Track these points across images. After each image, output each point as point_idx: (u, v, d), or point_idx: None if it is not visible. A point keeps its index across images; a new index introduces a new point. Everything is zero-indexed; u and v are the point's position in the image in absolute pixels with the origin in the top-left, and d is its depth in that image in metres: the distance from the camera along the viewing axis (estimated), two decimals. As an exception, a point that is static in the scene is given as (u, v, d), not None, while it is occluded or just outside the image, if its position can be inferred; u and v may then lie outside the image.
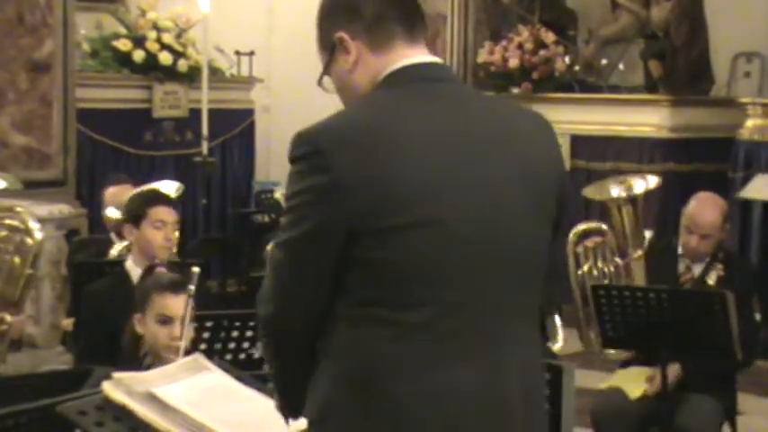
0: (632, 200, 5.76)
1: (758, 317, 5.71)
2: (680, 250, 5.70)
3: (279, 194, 9.43)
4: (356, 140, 2.62)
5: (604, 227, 5.79)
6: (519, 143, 2.77)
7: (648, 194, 5.95)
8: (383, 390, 2.63)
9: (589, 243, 5.78)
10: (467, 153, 2.68)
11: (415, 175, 2.62)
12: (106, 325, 4.73)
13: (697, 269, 5.67)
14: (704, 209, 5.68)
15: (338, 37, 2.77)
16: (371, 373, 2.64)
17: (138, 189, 6.34)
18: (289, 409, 2.88)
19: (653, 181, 5.94)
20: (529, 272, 2.78)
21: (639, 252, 5.69)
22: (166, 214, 5.41)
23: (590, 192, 6.02)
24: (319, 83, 2.87)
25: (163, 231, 5.38)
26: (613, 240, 5.76)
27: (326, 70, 2.83)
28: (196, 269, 4.38)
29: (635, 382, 5.47)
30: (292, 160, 2.68)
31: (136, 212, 5.47)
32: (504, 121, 2.81)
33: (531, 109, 2.99)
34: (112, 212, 6.41)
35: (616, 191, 5.78)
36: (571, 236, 5.77)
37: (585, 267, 5.68)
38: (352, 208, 2.58)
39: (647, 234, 5.82)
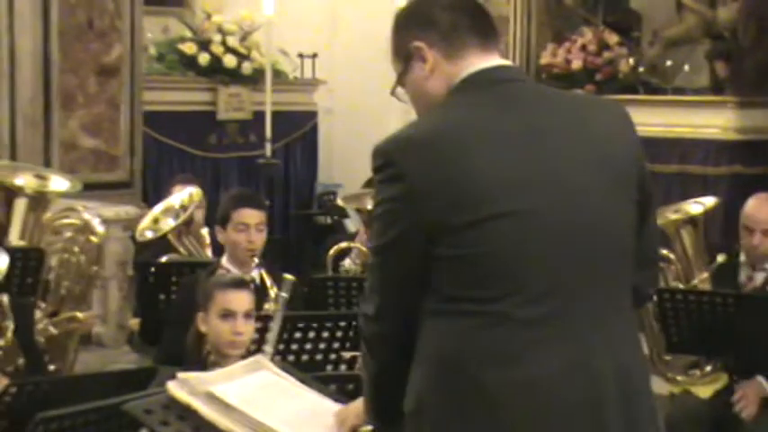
0: (691, 221, 5.71)
1: None
2: (742, 257, 5.64)
3: (339, 200, 9.44)
4: (425, 147, 2.72)
5: (666, 252, 5.73)
6: (594, 131, 2.85)
7: (713, 210, 5.88)
8: (473, 378, 2.71)
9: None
10: (539, 146, 2.76)
11: (486, 172, 2.69)
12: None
13: (759, 277, 5.60)
14: (763, 204, 5.63)
15: (415, 46, 2.86)
16: (461, 362, 2.72)
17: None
18: (379, 413, 2.99)
19: (710, 201, 5.87)
20: (614, 255, 2.83)
21: (705, 275, 5.64)
22: (249, 217, 5.44)
23: None
24: (393, 92, 2.96)
25: (245, 234, 5.41)
26: (678, 266, 5.72)
27: (401, 79, 2.92)
28: (289, 277, 4.58)
29: (703, 383, 5.44)
30: (374, 172, 2.81)
31: (222, 215, 5.53)
32: (577, 112, 2.90)
33: (607, 99, 3.06)
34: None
35: (673, 215, 5.75)
36: None
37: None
38: (429, 210, 2.69)
39: (720, 258, 5.72)
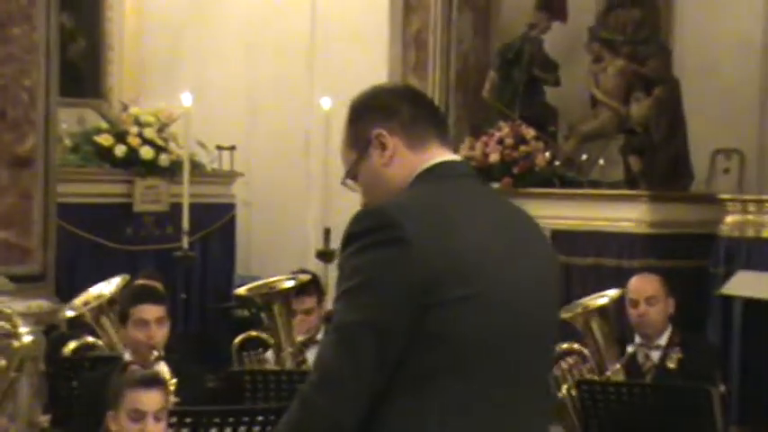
0: (599, 313, 5.80)
1: (723, 388, 5.78)
2: (637, 339, 5.77)
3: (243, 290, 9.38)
4: (423, 215, 2.73)
5: (577, 346, 5.82)
6: (539, 240, 3.01)
7: (618, 301, 5.98)
8: None
9: (565, 364, 5.81)
10: (507, 239, 2.84)
11: (475, 250, 2.74)
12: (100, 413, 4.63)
13: (655, 355, 5.74)
14: (643, 277, 6.06)
15: (376, 133, 2.89)
16: None
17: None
18: None
19: (614, 292, 6.00)
20: (551, 350, 3.05)
21: (617, 366, 5.70)
22: (148, 312, 5.38)
23: (563, 314, 6.01)
24: (344, 181, 2.99)
25: (145, 330, 5.35)
26: (591, 359, 5.78)
27: (357, 167, 2.94)
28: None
29: None
30: (358, 235, 2.73)
31: (121, 311, 5.47)
32: (518, 214, 3.01)
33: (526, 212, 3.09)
34: None
35: (580, 309, 5.84)
36: None
37: (564, 389, 5.66)
38: (423, 279, 2.66)
39: (630, 348, 5.84)
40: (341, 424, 2.70)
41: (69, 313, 6.52)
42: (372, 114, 2.93)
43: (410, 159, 2.88)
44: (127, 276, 6.73)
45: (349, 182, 2.97)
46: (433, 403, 2.68)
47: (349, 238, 2.74)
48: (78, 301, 6.67)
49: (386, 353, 2.67)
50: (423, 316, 2.66)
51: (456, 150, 10.13)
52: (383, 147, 2.89)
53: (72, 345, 6.31)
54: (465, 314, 2.68)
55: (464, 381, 2.69)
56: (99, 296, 6.58)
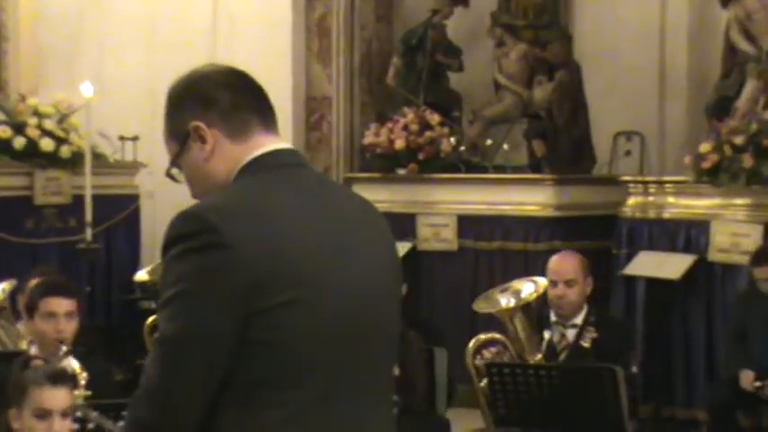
0: (524, 307, 5.83)
1: (635, 369, 5.88)
2: (552, 317, 5.82)
3: (144, 275, 9.33)
4: (244, 217, 2.59)
5: (499, 336, 5.82)
6: (374, 227, 2.86)
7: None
8: None
9: (487, 354, 5.81)
10: (339, 233, 2.72)
11: (301, 251, 2.61)
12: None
13: (570, 333, 5.80)
14: (563, 257, 5.98)
15: (193, 126, 2.74)
16: None
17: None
18: None
19: (542, 282, 5.99)
20: (391, 351, 2.86)
21: (539, 356, 5.74)
22: (57, 305, 5.32)
23: (481, 306, 6.02)
24: (168, 173, 2.83)
25: (53, 323, 5.28)
26: (512, 349, 5.80)
27: (176, 160, 2.79)
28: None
29: None
30: (176, 239, 2.59)
31: (29, 304, 5.40)
32: (357, 205, 2.90)
33: (365, 199, 2.99)
34: None
35: (505, 301, 5.84)
36: (469, 348, 5.81)
37: (485, 381, 5.64)
38: (247, 283, 2.53)
39: (547, 334, 5.90)
40: (182, 409, 2.58)
41: None
42: (189, 105, 2.77)
43: (233, 151, 2.73)
44: (13, 282, 6.64)
45: (174, 172, 2.81)
46: (263, 416, 2.58)
47: (167, 245, 2.61)
48: None
49: (212, 365, 2.55)
50: (247, 324, 2.54)
51: (362, 136, 10.32)
52: (202, 140, 2.73)
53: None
54: (291, 320, 2.57)
55: (295, 390, 2.59)
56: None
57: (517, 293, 5.80)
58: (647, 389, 7.92)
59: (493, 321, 5.91)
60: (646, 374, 7.92)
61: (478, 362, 5.78)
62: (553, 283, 5.90)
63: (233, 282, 2.54)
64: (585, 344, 5.81)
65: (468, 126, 10.19)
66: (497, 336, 5.81)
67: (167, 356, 2.59)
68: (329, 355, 2.63)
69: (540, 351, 5.75)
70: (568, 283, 5.88)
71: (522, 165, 9.70)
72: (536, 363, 5.61)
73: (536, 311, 5.88)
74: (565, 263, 6.00)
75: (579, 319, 5.89)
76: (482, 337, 5.85)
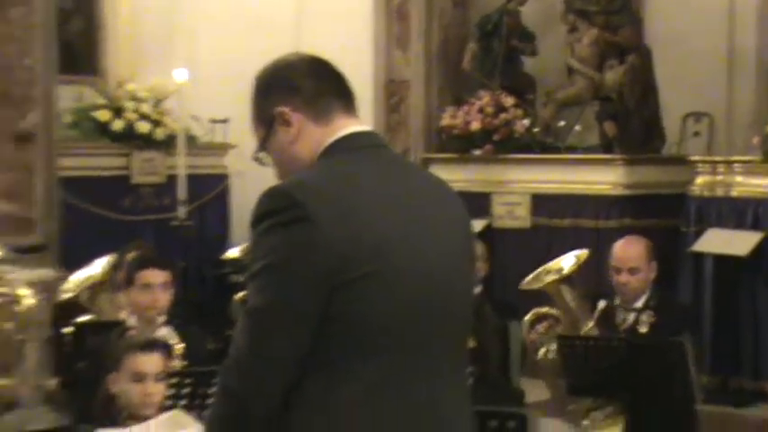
0: (567, 279, 5.81)
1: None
2: (617, 300, 5.76)
3: (234, 252, 9.39)
4: (328, 193, 2.61)
5: (554, 310, 5.83)
6: (450, 206, 2.87)
7: (587, 262, 5.98)
8: None
9: (541, 328, 5.82)
10: (416, 211, 2.72)
11: (380, 227, 2.62)
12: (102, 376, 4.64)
13: (630, 317, 5.74)
14: (627, 244, 5.88)
15: (279, 111, 2.77)
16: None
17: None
18: None
19: (582, 253, 5.98)
20: (465, 325, 2.85)
21: (590, 324, 5.72)
22: (153, 277, 5.37)
23: (528, 284, 6.02)
24: (255, 157, 2.87)
25: (149, 294, 5.34)
26: (565, 320, 5.80)
27: (264, 144, 2.83)
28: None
29: (603, 428, 5.47)
30: (264, 215, 2.62)
31: (126, 276, 5.47)
32: (433, 184, 2.91)
33: (442, 181, 2.99)
34: None
35: (548, 276, 5.84)
36: (525, 321, 5.83)
37: (541, 352, 5.67)
38: (332, 256, 2.54)
39: (601, 304, 5.85)
40: (255, 406, 2.61)
41: (64, 296, 6.51)
42: (275, 91, 2.82)
43: (316, 133, 2.77)
44: (114, 256, 6.72)
45: (261, 155, 2.85)
46: (343, 388, 2.59)
47: (255, 220, 2.63)
48: (69, 284, 6.66)
49: (296, 337, 2.56)
50: (330, 297, 2.55)
51: (439, 119, 10.32)
52: (287, 124, 2.77)
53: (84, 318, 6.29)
54: (369, 293, 2.58)
55: (373, 363, 2.60)
56: (87, 278, 6.58)
57: (560, 269, 5.80)
58: (714, 362, 7.85)
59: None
60: (713, 348, 7.85)
61: (533, 335, 5.80)
62: (617, 270, 5.81)
63: (317, 255, 2.54)
64: (643, 329, 5.74)
65: (542, 108, 10.14)
66: (551, 310, 5.81)
67: (255, 328, 2.59)
68: (405, 329, 2.63)
69: (593, 319, 5.72)
70: (632, 271, 5.78)
71: (594, 145, 9.63)
72: (603, 336, 5.58)
73: (584, 285, 5.87)
74: (629, 250, 5.89)
75: (640, 303, 5.81)
76: (539, 310, 5.86)
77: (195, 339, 5.50)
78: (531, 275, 6.03)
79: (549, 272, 5.89)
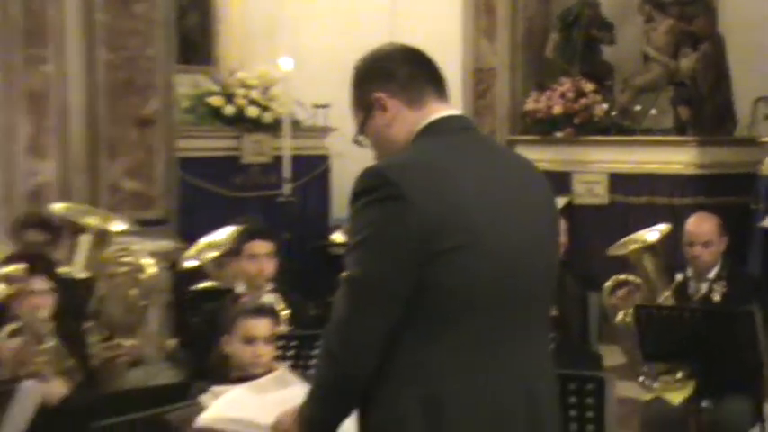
0: (650, 248, 5.78)
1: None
2: (689, 272, 5.72)
3: (338, 235, 9.42)
4: (419, 172, 2.62)
5: (632, 278, 5.81)
6: (534, 184, 2.85)
7: (669, 235, 5.93)
8: (443, 405, 2.61)
9: (620, 294, 5.80)
10: (503, 189, 2.72)
11: (469, 202, 2.62)
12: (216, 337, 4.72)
13: (703, 287, 5.71)
14: (699, 220, 5.84)
15: (376, 97, 2.79)
16: (441, 391, 2.61)
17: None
18: (323, 427, 2.75)
19: (664, 227, 5.94)
20: (547, 294, 2.85)
21: (667, 293, 5.68)
22: (259, 247, 5.42)
23: (614, 250, 6.00)
24: (355, 139, 2.88)
25: (256, 263, 5.38)
26: (644, 288, 5.77)
27: (362, 127, 2.84)
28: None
29: (674, 390, 5.45)
30: (361, 193, 2.64)
31: (235, 247, 5.52)
32: (518, 163, 2.91)
33: (529, 161, 2.99)
34: None
35: (633, 245, 5.82)
36: (606, 287, 5.81)
37: (620, 316, 5.66)
38: (422, 231, 2.55)
39: (679, 276, 5.81)
40: (354, 366, 2.62)
41: (190, 263, 6.60)
42: (372, 78, 2.82)
43: (410, 117, 2.77)
44: (237, 229, 6.79)
45: (360, 138, 2.86)
46: (432, 348, 2.59)
47: (353, 197, 2.65)
48: (192, 250, 6.75)
49: (389, 303, 2.58)
50: (422, 266, 2.55)
51: (523, 103, 10.27)
52: (384, 109, 2.78)
53: (201, 285, 6.38)
54: (457, 263, 2.57)
55: (465, 324, 2.60)
56: (210, 244, 6.65)
57: (644, 240, 5.78)
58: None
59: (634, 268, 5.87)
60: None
61: (613, 300, 5.78)
62: (690, 244, 5.77)
63: (408, 229, 2.55)
64: (716, 297, 5.70)
65: (619, 93, 10.07)
66: (630, 277, 5.79)
67: (353, 295, 2.62)
68: (491, 298, 2.63)
69: (670, 289, 5.68)
70: (704, 245, 5.72)
71: (668, 128, 9.54)
72: (676, 305, 5.55)
73: (665, 257, 5.82)
74: (702, 226, 5.82)
75: (712, 274, 5.76)
76: (618, 277, 5.84)
77: (299, 305, 5.54)
78: (617, 243, 6.01)
79: (634, 241, 5.87)
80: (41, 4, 7.43)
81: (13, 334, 4.74)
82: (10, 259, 5.25)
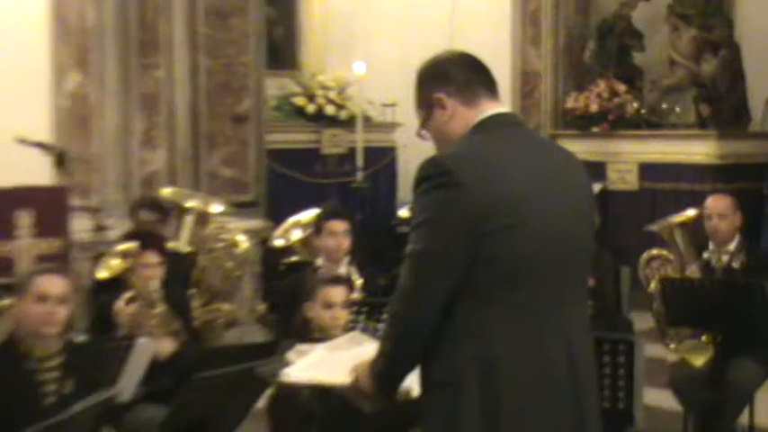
0: (681, 227, 5.74)
1: None
2: (711, 246, 5.67)
3: (404, 211, 9.42)
4: (472, 163, 2.60)
5: (664, 252, 5.78)
6: (574, 172, 2.81)
7: (695, 218, 5.87)
8: (496, 366, 2.59)
9: (654, 265, 5.76)
10: (547, 176, 2.69)
11: (516, 187, 2.60)
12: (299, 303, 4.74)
13: (724, 257, 5.63)
14: (716, 197, 5.80)
15: (436, 97, 2.75)
16: (494, 350, 2.59)
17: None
18: (386, 383, 2.75)
19: (692, 212, 5.88)
20: (585, 265, 2.81)
21: (694, 267, 5.63)
22: (337, 226, 5.43)
23: (652, 227, 5.97)
24: (419, 133, 2.85)
25: (335, 239, 5.39)
26: (675, 261, 5.72)
27: (425, 123, 2.81)
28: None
29: (696, 354, 5.40)
30: (422, 180, 2.62)
31: (317, 226, 5.53)
32: (559, 153, 2.86)
33: (567, 150, 2.97)
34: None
35: (665, 223, 5.79)
36: (642, 258, 5.79)
37: (653, 285, 5.61)
38: (475, 212, 2.54)
39: (705, 254, 5.75)
40: (417, 327, 2.61)
41: (279, 242, 6.63)
42: (433, 81, 2.77)
43: (466, 115, 2.73)
44: (319, 211, 6.81)
45: (423, 133, 2.82)
46: (484, 311, 2.58)
47: (416, 183, 2.63)
48: (280, 230, 6.78)
49: (447, 273, 2.56)
50: (476, 242, 2.53)
51: (564, 102, 10.19)
52: (443, 107, 2.73)
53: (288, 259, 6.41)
54: (506, 240, 2.56)
55: (512, 292, 2.58)
56: (295, 223, 6.67)
57: (675, 221, 5.75)
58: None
59: (664, 245, 5.83)
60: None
61: (647, 270, 5.74)
62: (708, 217, 5.72)
63: (463, 212, 2.54)
64: (736, 266, 5.63)
65: (648, 93, 9.96)
66: (663, 251, 5.76)
67: (416, 267, 2.61)
68: (537, 268, 2.61)
69: (697, 265, 5.64)
70: (720, 217, 5.66)
71: (691, 123, 9.44)
72: (697, 278, 5.50)
73: (693, 237, 5.76)
74: (718, 201, 5.76)
75: (732, 246, 5.69)
76: (652, 251, 5.81)
77: (370, 276, 5.52)
78: (655, 222, 5.98)
79: (668, 222, 5.83)
80: (154, 19, 7.51)
81: (129, 301, 4.78)
82: (126, 237, 5.30)
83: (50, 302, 3.73)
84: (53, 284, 3.77)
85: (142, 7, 7.49)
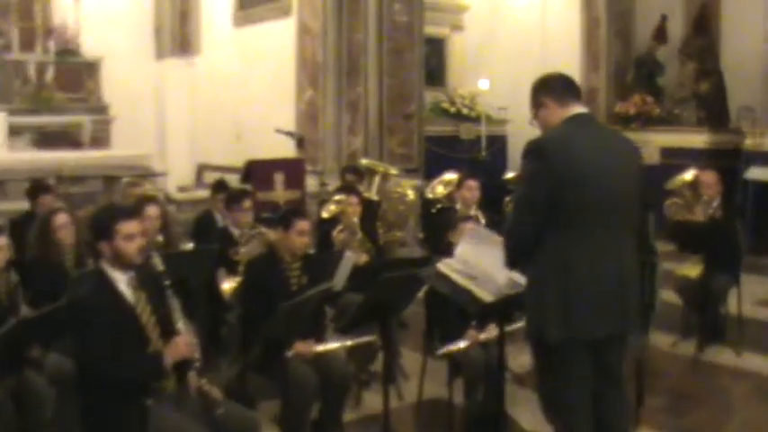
0: (687, 183, 5.35)
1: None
2: (704, 198, 5.27)
3: (510, 174, 9.13)
4: (556, 143, 2.56)
5: (676, 200, 5.33)
6: (628, 153, 2.71)
7: (696, 181, 5.44)
8: (566, 262, 2.53)
9: (678, 200, 5.37)
10: (607, 155, 2.60)
11: (585, 160, 2.54)
12: (444, 234, 4.33)
13: (710, 211, 5.24)
14: (707, 172, 5.23)
15: (542, 100, 2.70)
16: (564, 261, 2.53)
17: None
18: (510, 259, 2.65)
19: (691, 173, 5.44)
20: (631, 209, 2.67)
21: (697, 208, 5.24)
22: (470, 183, 5.08)
23: (669, 185, 5.58)
24: (530, 123, 2.80)
25: (470, 193, 5.03)
26: (684, 206, 5.31)
27: (535, 117, 2.75)
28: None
29: (692, 269, 5.10)
30: (525, 154, 2.59)
31: (458, 184, 5.21)
32: (621, 139, 2.77)
33: (626, 136, 2.87)
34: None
35: (677, 181, 5.40)
36: (666, 204, 5.35)
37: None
38: (556, 175, 2.51)
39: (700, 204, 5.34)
40: (524, 230, 2.54)
41: (433, 193, 6.52)
42: (541, 90, 2.70)
43: (560, 113, 2.64)
44: (459, 175, 6.61)
45: (533, 122, 2.74)
46: (567, 235, 2.52)
47: (522, 155, 2.60)
48: (432, 186, 6.64)
49: (537, 212, 2.52)
50: (555, 195, 2.49)
51: (613, 107, 9.65)
52: (546, 107, 2.67)
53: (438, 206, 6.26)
54: (578, 191, 2.50)
55: (582, 224, 2.52)
56: (442, 181, 6.52)
57: (684, 178, 5.29)
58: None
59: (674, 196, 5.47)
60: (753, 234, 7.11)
61: (671, 204, 5.32)
62: (701, 184, 5.07)
63: (548, 175, 2.50)
64: (717, 216, 5.15)
65: (667, 103, 9.40)
66: (675, 199, 5.35)
67: (517, 208, 2.61)
68: (596, 210, 2.54)
69: (701, 212, 5.25)
70: (709, 185, 5.02)
71: (693, 122, 8.88)
72: (694, 221, 5.09)
73: (693, 192, 5.35)
74: (708, 175, 5.12)
75: (716, 203, 5.18)
76: (672, 199, 5.39)
77: (490, 217, 5.19)
78: (671, 180, 5.59)
79: (680, 179, 5.45)
80: (356, 55, 7.45)
81: (341, 231, 4.86)
82: (338, 190, 5.28)
83: (305, 235, 3.80)
84: (307, 224, 3.81)
85: (349, 48, 7.44)
